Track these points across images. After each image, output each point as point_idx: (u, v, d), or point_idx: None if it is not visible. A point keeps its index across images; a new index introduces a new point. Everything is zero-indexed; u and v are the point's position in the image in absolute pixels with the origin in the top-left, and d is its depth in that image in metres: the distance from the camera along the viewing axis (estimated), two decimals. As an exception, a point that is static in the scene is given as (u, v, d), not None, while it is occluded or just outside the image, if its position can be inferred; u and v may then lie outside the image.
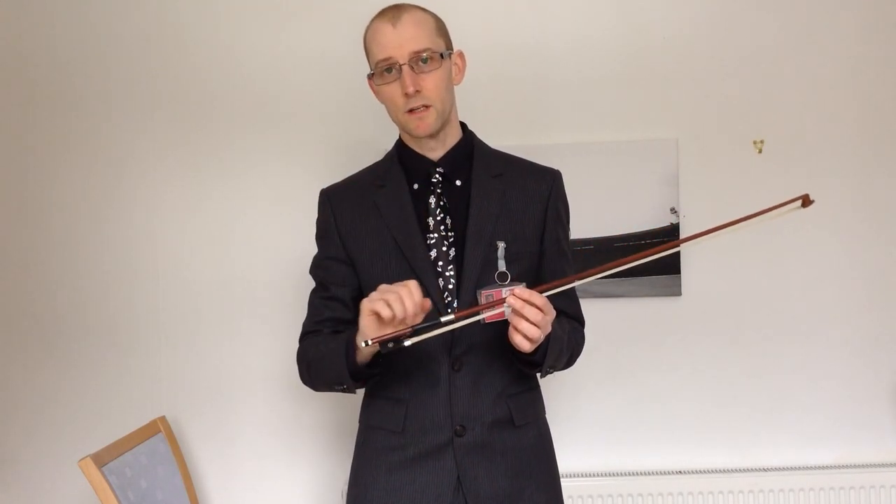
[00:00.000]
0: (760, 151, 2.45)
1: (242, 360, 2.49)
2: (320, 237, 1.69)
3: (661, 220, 2.41)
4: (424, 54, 1.52)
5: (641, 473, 2.43)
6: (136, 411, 2.41)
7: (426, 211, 1.59)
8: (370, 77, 1.60)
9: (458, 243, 1.58)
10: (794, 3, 2.43)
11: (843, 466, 2.42)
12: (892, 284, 2.45)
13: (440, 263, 1.56)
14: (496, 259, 1.55)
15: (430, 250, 1.57)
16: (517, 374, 1.60)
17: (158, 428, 2.30)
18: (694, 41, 2.44)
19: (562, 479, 1.71)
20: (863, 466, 2.41)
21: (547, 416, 1.71)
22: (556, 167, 1.71)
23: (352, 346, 1.46)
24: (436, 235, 1.58)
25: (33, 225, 2.51)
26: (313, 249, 1.72)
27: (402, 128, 1.61)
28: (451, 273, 1.56)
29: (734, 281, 2.45)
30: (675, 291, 2.42)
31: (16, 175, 2.51)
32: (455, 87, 1.63)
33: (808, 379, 2.46)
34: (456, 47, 1.65)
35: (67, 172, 2.50)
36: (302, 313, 1.71)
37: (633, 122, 2.44)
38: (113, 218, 2.50)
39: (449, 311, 1.48)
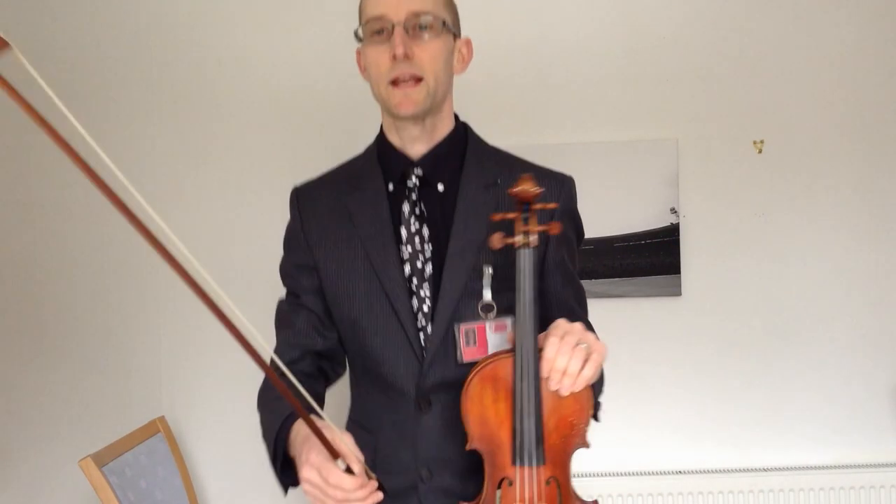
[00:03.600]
0: (760, 151, 2.45)
1: (242, 360, 2.48)
2: (286, 241, 1.47)
3: (661, 220, 2.41)
4: (424, 18, 1.28)
5: (641, 473, 2.43)
6: (136, 411, 2.41)
7: (399, 219, 1.36)
8: (358, 41, 1.35)
9: (437, 260, 1.34)
10: (794, 4, 2.43)
11: (843, 466, 2.42)
12: (891, 285, 2.45)
13: (414, 281, 1.33)
14: (480, 287, 1.30)
15: (403, 265, 1.34)
16: None
17: (158, 428, 2.30)
18: (694, 41, 2.44)
19: None
20: (863, 466, 2.41)
21: None
22: (556, 167, 1.46)
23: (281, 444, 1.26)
24: (410, 249, 1.34)
25: (33, 225, 2.51)
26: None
27: (384, 105, 1.34)
28: (427, 294, 1.33)
29: (734, 281, 2.45)
30: (675, 291, 2.42)
31: (16, 175, 2.51)
32: (455, 76, 1.41)
33: (807, 379, 2.46)
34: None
35: (67, 172, 2.49)
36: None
37: (633, 122, 2.45)
38: (113, 218, 2.47)
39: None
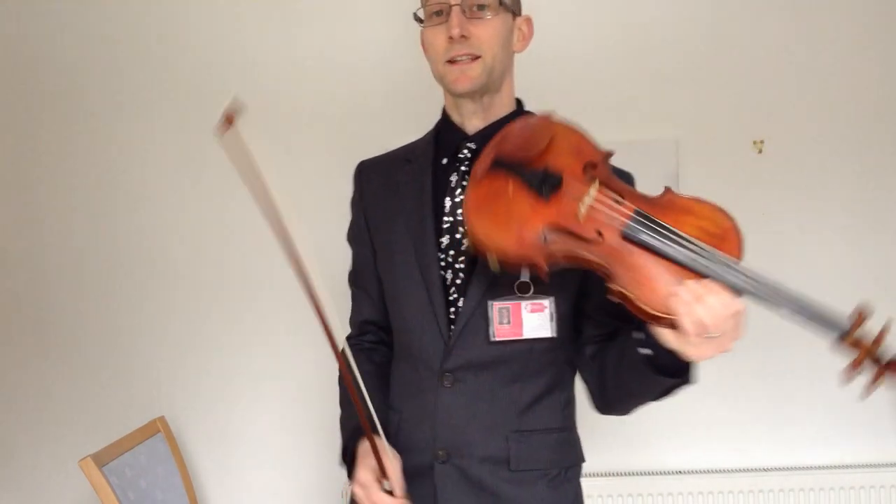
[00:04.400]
0: (760, 151, 2.45)
1: (242, 360, 2.49)
2: (352, 212, 1.50)
3: (661, 220, 2.41)
4: None
5: (642, 473, 2.43)
6: (136, 411, 2.41)
7: (446, 190, 1.36)
8: (419, 23, 1.37)
9: None
10: (794, 4, 2.43)
11: (843, 466, 2.42)
12: (892, 284, 2.45)
13: (451, 253, 1.33)
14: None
15: (442, 235, 1.33)
16: (533, 407, 1.33)
17: (158, 428, 2.30)
18: (694, 41, 2.44)
19: None
20: (863, 466, 2.41)
21: None
22: None
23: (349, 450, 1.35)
24: (451, 219, 1.33)
25: (34, 225, 2.51)
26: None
27: (442, 83, 1.35)
28: (462, 266, 1.32)
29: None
30: (675, 291, 2.42)
31: (16, 174, 2.51)
32: (516, 55, 1.43)
33: (808, 379, 2.46)
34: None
35: (67, 172, 2.50)
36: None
37: (633, 122, 2.44)
38: (113, 218, 2.50)
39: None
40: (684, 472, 2.42)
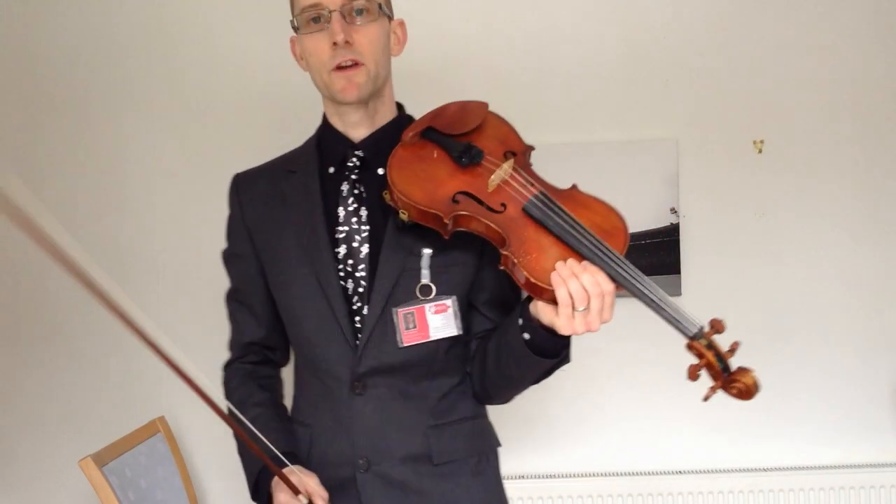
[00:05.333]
0: (760, 151, 2.45)
1: (242, 360, 2.49)
2: (227, 229, 1.46)
3: (661, 220, 2.41)
4: (359, 3, 1.29)
5: (641, 473, 2.43)
6: (136, 411, 2.41)
7: (338, 200, 1.35)
8: (294, 31, 1.35)
9: (375, 242, 1.33)
10: (793, 4, 2.43)
11: (843, 466, 2.42)
12: (892, 285, 2.45)
13: (350, 262, 1.32)
14: (418, 268, 1.30)
15: (338, 246, 1.33)
16: (444, 400, 1.35)
17: (158, 428, 2.30)
18: (694, 41, 2.44)
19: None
20: (863, 466, 2.42)
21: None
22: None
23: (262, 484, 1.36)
24: (346, 229, 1.33)
25: (33, 225, 2.51)
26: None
27: (327, 91, 1.35)
28: (363, 274, 1.32)
29: (734, 281, 2.45)
30: (676, 291, 2.42)
31: (16, 174, 2.51)
32: (393, 59, 1.42)
33: (808, 379, 2.46)
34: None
35: (67, 172, 2.50)
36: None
37: (633, 122, 2.45)
38: (113, 217, 2.50)
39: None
40: (684, 472, 2.42)
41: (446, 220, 1.21)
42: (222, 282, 2.51)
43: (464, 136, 1.29)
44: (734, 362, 1.20)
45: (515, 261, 1.16)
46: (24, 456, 2.51)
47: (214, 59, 2.48)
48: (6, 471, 2.52)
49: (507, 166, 1.25)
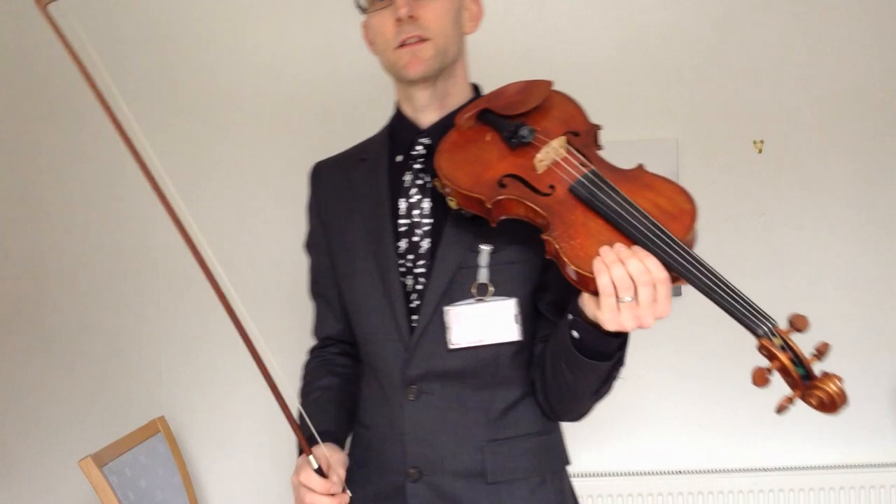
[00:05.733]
0: (760, 151, 2.45)
1: (242, 360, 2.47)
2: (307, 219, 1.43)
3: (661, 220, 2.41)
4: None
5: (642, 473, 2.43)
6: (136, 411, 2.41)
7: (400, 190, 1.29)
8: (362, 12, 1.29)
9: (436, 235, 1.25)
10: (794, 4, 2.43)
11: (843, 466, 2.42)
12: (892, 285, 2.45)
13: (409, 257, 1.25)
14: (476, 266, 1.21)
15: (400, 240, 1.26)
16: (508, 413, 1.25)
17: (158, 428, 2.30)
18: (694, 41, 2.44)
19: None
20: (863, 466, 2.41)
21: None
22: None
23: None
24: (408, 222, 1.26)
25: (33, 224, 2.51)
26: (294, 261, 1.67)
27: (393, 70, 1.27)
28: (423, 271, 1.24)
29: (734, 280, 2.45)
30: (676, 291, 2.42)
31: (16, 174, 2.51)
32: (466, 36, 1.34)
33: (808, 379, 2.46)
34: None
35: (67, 172, 2.50)
36: (301, 314, 1.71)
37: (633, 122, 2.44)
38: (113, 217, 2.50)
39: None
40: (684, 472, 2.42)
41: (488, 205, 1.11)
42: (220, 280, 2.51)
43: (521, 116, 1.20)
44: (818, 367, 1.04)
45: (558, 246, 1.04)
46: (24, 456, 2.51)
47: (214, 59, 2.48)
48: (6, 471, 2.52)
49: (556, 144, 1.14)
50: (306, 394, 1.38)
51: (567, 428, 2.69)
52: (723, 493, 2.38)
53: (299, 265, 1.49)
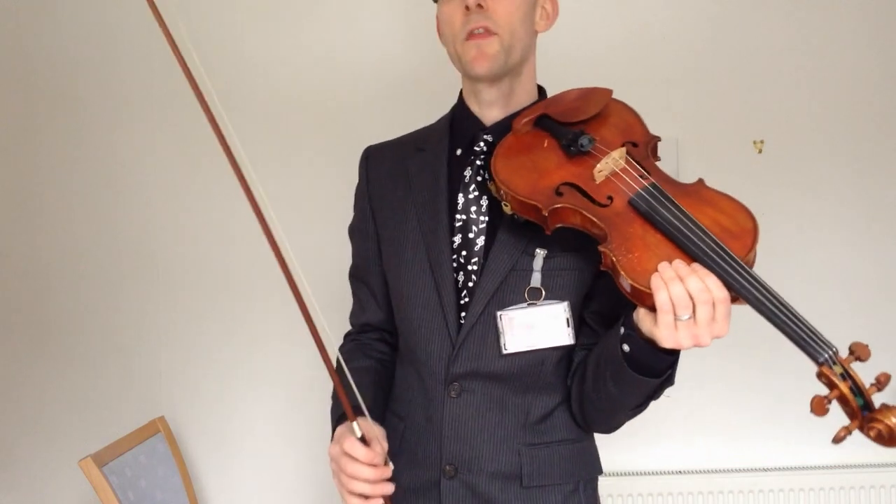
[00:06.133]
0: (760, 151, 2.45)
1: (242, 360, 2.49)
2: (355, 201, 1.41)
3: (661, 220, 2.41)
4: None
5: (641, 473, 2.43)
6: (136, 411, 2.41)
7: (459, 184, 1.27)
8: (435, 3, 1.28)
9: (491, 234, 1.24)
10: (793, 4, 2.43)
11: (843, 466, 2.42)
12: (891, 285, 2.45)
13: (463, 253, 1.24)
14: (530, 269, 1.21)
15: (455, 234, 1.25)
16: (547, 418, 1.26)
17: (158, 428, 2.30)
18: (694, 41, 2.44)
19: None
20: (863, 466, 2.41)
21: None
22: None
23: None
24: (464, 217, 1.25)
25: (33, 224, 2.51)
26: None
27: (459, 64, 1.25)
28: (475, 268, 1.23)
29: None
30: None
31: (16, 174, 2.51)
32: (539, 34, 1.31)
33: (808, 379, 2.44)
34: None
35: (67, 172, 2.50)
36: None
37: (633, 122, 2.44)
38: (113, 217, 2.50)
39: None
40: (684, 472, 2.42)
41: (544, 213, 1.10)
42: (220, 280, 2.52)
43: (580, 124, 1.19)
44: (878, 398, 1.02)
45: (615, 259, 1.03)
46: (24, 456, 2.51)
47: (214, 58, 2.48)
48: (6, 471, 2.52)
49: (616, 155, 1.13)
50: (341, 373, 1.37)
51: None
52: (723, 493, 2.38)
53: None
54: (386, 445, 1.15)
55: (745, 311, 2.52)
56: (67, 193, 2.50)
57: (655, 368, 1.09)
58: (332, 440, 1.21)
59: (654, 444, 2.47)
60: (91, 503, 2.16)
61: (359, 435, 1.12)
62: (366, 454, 1.10)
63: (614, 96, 1.26)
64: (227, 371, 2.49)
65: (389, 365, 1.38)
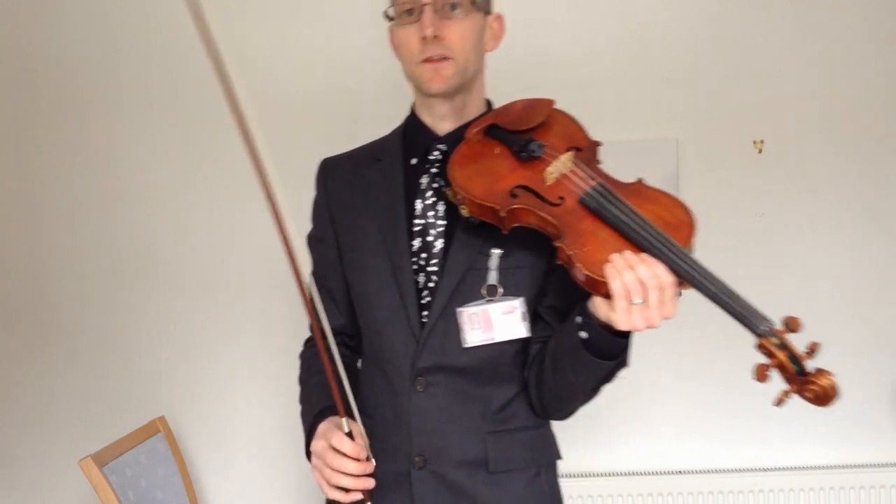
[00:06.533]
0: (760, 151, 2.45)
1: (242, 359, 2.49)
2: (312, 213, 1.48)
3: (661, 220, 2.41)
4: None
5: (641, 473, 2.43)
6: (136, 411, 2.41)
7: (416, 192, 1.36)
8: (388, 20, 1.36)
9: (449, 237, 1.32)
10: (794, 4, 2.43)
11: (843, 466, 2.42)
12: (891, 284, 2.45)
13: (423, 256, 1.32)
14: (486, 268, 1.29)
15: (414, 239, 1.33)
16: (507, 407, 1.34)
17: (158, 428, 2.30)
18: (694, 41, 2.44)
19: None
20: (863, 466, 2.42)
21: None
22: None
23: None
24: (422, 222, 1.33)
25: (33, 224, 2.51)
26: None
27: (415, 83, 1.35)
28: (435, 269, 1.31)
29: (734, 281, 2.43)
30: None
31: (16, 174, 2.51)
32: (487, 54, 1.42)
33: (807, 379, 2.46)
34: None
35: (67, 172, 2.50)
36: (303, 314, 1.70)
37: (633, 122, 2.44)
38: (112, 217, 2.50)
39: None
40: (684, 472, 2.42)
41: (502, 214, 1.19)
42: (220, 280, 2.52)
43: (527, 132, 1.28)
44: (811, 364, 1.13)
45: (570, 253, 1.13)
46: (24, 456, 2.51)
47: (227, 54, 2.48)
48: (6, 471, 2.52)
49: (565, 159, 1.24)
50: (305, 380, 1.43)
51: (568, 428, 2.69)
52: (723, 493, 2.38)
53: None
54: (368, 442, 1.23)
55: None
56: (68, 194, 2.50)
57: (612, 351, 1.18)
58: (310, 440, 1.28)
59: (654, 444, 2.47)
60: (91, 503, 2.16)
61: (346, 430, 1.19)
62: (352, 448, 1.19)
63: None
64: (227, 371, 2.49)
65: (352, 367, 1.44)
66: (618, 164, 2.42)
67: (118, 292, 2.50)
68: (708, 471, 2.42)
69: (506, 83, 2.42)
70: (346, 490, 1.20)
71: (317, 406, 1.31)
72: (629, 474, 2.42)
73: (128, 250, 2.50)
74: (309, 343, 1.52)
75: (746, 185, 2.44)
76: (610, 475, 2.42)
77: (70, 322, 2.50)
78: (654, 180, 2.48)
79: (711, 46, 2.44)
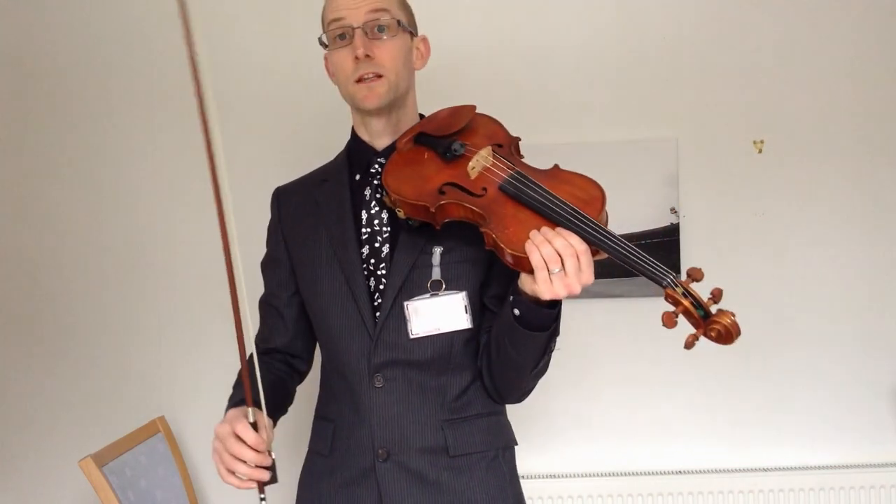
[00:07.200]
0: (760, 151, 2.45)
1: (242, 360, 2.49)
2: (267, 238, 1.58)
3: (661, 220, 2.41)
4: (381, 19, 1.39)
5: (641, 473, 2.43)
6: (136, 411, 2.41)
7: (361, 204, 1.46)
8: (324, 47, 1.47)
9: (394, 242, 1.42)
10: (793, 4, 2.44)
11: (843, 466, 2.42)
12: (892, 284, 2.45)
13: (372, 261, 1.42)
14: (430, 265, 1.39)
15: (363, 246, 1.43)
16: (462, 396, 1.42)
17: (158, 428, 2.30)
18: (694, 41, 2.45)
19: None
20: (863, 466, 2.42)
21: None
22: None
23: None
24: (369, 230, 1.44)
25: (33, 225, 2.51)
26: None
27: (351, 102, 1.45)
28: (384, 272, 1.41)
29: (734, 281, 2.44)
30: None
31: (15, 174, 2.51)
32: (416, 72, 1.51)
33: (808, 379, 2.46)
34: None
35: (67, 172, 2.50)
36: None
37: (633, 122, 2.45)
38: (112, 218, 2.50)
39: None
40: (684, 472, 2.42)
41: (433, 210, 1.29)
42: (220, 280, 2.50)
43: (453, 135, 1.38)
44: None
45: (495, 236, 1.23)
46: (24, 456, 2.51)
47: (214, 59, 2.48)
48: (7, 471, 2.52)
49: (484, 153, 1.34)
50: (240, 384, 1.50)
51: (566, 428, 2.70)
52: (723, 493, 2.38)
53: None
54: (273, 436, 1.33)
55: (748, 314, 2.51)
56: (66, 193, 2.50)
57: (543, 323, 1.26)
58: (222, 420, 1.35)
59: (654, 444, 2.47)
60: (91, 503, 2.16)
61: (251, 420, 1.27)
62: (254, 438, 1.28)
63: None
64: (227, 371, 2.48)
65: (287, 382, 1.55)
66: (618, 165, 2.44)
67: (118, 292, 2.50)
68: (708, 471, 2.42)
69: (507, 84, 2.44)
70: (242, 478, 1.29)
71: (236, 396, 1.41)
72: (629, 474, 2.42)
73: (128, 250, 2.50)
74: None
75: (746, 185, 2.44)
76: (610, 475, 2.42)
77: (70, 322, 2.50)
78: (654, 180, 2.50)
79: (711, 46, 2.44)
